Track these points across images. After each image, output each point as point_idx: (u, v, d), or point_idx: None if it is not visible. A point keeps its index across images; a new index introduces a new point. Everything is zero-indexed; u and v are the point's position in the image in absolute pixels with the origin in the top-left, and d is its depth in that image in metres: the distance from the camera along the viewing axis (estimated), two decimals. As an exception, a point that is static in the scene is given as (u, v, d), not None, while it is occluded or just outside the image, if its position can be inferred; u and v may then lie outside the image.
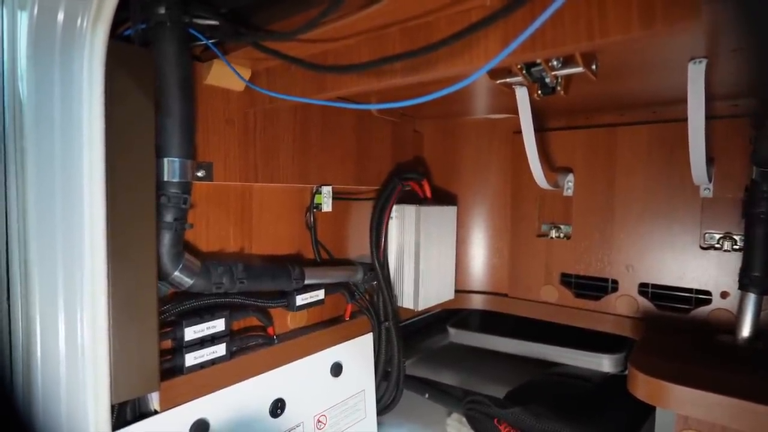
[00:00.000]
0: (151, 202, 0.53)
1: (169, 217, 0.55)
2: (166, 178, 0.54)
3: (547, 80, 0.51)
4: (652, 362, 0.64)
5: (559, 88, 0.53)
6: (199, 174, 0.61)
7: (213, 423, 0.61)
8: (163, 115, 0.53)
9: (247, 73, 0.63)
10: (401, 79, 0.47)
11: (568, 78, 0.53)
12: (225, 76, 0.61)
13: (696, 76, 0.57)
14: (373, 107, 0.43)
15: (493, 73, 0.54)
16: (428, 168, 1.08)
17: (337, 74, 0.51)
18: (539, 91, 0.54)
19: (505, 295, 1.04)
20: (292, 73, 0.59)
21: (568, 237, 0.96)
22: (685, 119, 0.80)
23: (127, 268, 0.51)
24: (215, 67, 0.61)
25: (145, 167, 0.52)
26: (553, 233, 0.97)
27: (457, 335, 1.19)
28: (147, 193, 0.53)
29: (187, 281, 0.58)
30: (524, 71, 0.49)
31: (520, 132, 0.80)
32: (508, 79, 0.55)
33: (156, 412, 0.56)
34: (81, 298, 0.48)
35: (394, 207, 0.90)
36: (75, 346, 0.48)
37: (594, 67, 0.49)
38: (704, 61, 0.56)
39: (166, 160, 0.54)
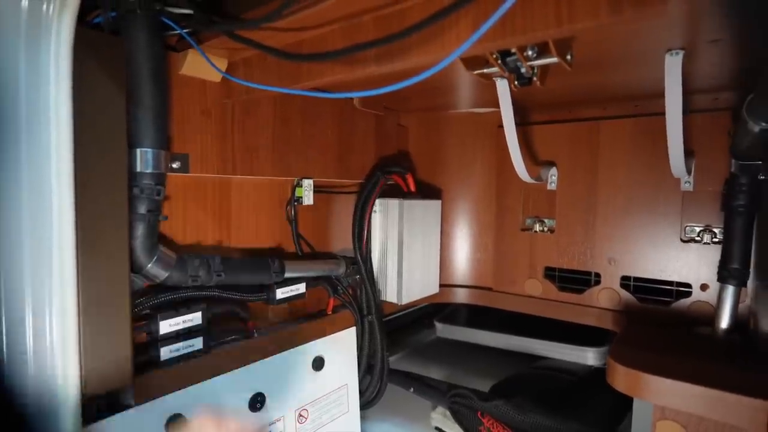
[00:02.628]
0: (123, 194, 0.52)
1: (142, 209, 0.54)
2: (138, 169, 0.54)
3: (523, 70, 0.50)
4: (631, 354, 0.65)
5: (535, 78, 0.52)
6: (174, 165, 0.61)
7: (190, 417, 0.61)
8: (135, 104, 0.52)
9: (223, 64, 0.63)
10: (375, 68, 0.47)
11: (545, 68, 0.53)
12: (201, 66, 0.61)
13: (673, 68, 0.57)
14: (351, 95, 0.42)
15: (470, 63, 0.54)
16: (413, 162, 1.08)
17: (312, 63, 0.50)
18: (516, 82, 0.54)
19: (490, 289, 1.04)
20: (268, 63, 0.58)
21: (551, 231, 0.96)
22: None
23: (98, 260, 0.50)
24: (190, 57, 0.60)
25: (117, 158, 0.51)
26: (537, 227, 0.98)
27: (443, 330, 1.19)
28: (119, 185, 0.52)
29: (162, 273, 0.57)
30: (499, 61, 0.49)
31: (504, 125, 0.80)
32: (485, 70, 0.55)
33: (130, 406, 0.56)
34: (49, 291, 0.47)
35: (378, 201, 0.90)
36: (43, 338, 0.47)
37: (569, 57, 0.49)
38: (681, 53, 0.56)
39: (138, 150, 0.53)
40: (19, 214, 0.48)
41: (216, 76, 0.63)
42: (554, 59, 0.47)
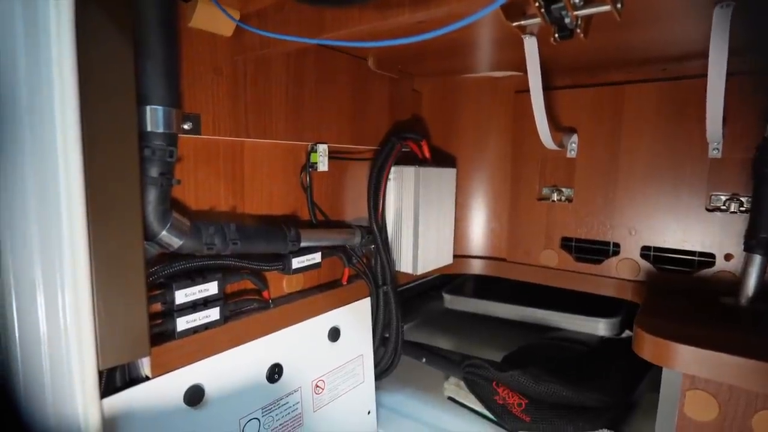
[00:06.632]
0: (134, 155, 0.48)
1: (154, 172, 0.51)
2: (149, 129, 0.50)
3: (567, 21, 0.46)
4: (658, 323, 0.63)
5: (578, 30, 0.48)
6: (186, 126, 0.57)
7: (208, 388, 0.59)
8: (143, 57, 0.48)
9: (235, 15, 0.58)
10: (409, 15, 0.43)
11: (588, 20, 0.49)
12: (211, 17, 0.56)
13: (721, 22, 0.53)
14: (373, 45, 0.39)
15: (509, 13, 0.50)
16: (427, 128, 1.04)
17: (337, 8, 0.46)
18: (556, 35, 0.50)
19: (504, 260, 1.02)
20: (285, 13, 0.53)
21: (569, 200, 0.93)
22: (697, 76, 0.76)
23: (110, 228, 0.47)
24: (200, 7, 0.55)
25: (126, 116, 0.47)
26: (555, 196, 0.95)
27: (452, 301, 1.19)
28: (129, 145, 0.48)
29: (177, 241, 0.54)
30: (542, 9, 0.45)
31: (523, 91, 0.75)
32: (523, 22, 0.51)
33: (147, 378, 0.54)
34: (60, 261, 0.44)
35: (393, 168, 0.86)
36: (56, 311, 0.44)
37: (619, 5, 0.45)
38: (732, 5, 0.52)
39: (148, 108, 0.49)
40: (24, 181, 0.44)
41: (227, 30, 0.59)
42: (606, 8, 0.43)
